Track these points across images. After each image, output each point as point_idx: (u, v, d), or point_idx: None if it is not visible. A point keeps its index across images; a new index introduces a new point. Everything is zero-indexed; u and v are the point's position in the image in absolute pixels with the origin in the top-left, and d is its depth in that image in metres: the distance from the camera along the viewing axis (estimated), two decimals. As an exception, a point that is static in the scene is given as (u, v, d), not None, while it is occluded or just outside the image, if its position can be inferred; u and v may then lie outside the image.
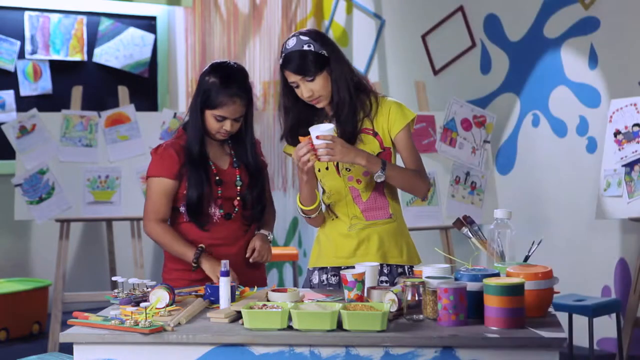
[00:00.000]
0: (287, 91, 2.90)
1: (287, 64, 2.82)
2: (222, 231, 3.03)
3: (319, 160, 2.72)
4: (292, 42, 2.84)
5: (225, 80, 2.95)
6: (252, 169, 3.08)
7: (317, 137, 2.68)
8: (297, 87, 2.85)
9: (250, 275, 3.05)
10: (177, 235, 3.02)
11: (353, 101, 2.87)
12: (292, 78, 2.83)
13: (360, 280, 2.51)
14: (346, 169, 2.90)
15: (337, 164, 2.88)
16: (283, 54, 2.85)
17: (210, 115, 2.97)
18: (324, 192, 2.97)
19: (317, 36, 2.86)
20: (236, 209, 3.05)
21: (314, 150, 2.70)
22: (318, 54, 2.82)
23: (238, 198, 3.04)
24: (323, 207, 2.98)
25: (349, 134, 2.85)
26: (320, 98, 2.85)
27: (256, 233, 3.11)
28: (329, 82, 2.84)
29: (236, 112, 2.96)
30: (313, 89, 2.83)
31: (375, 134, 2.90)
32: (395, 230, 2.95)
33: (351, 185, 2.91)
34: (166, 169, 3.01)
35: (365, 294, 2.55)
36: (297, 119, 2.92)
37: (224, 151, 3.09)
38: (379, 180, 2.82)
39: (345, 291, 2.52)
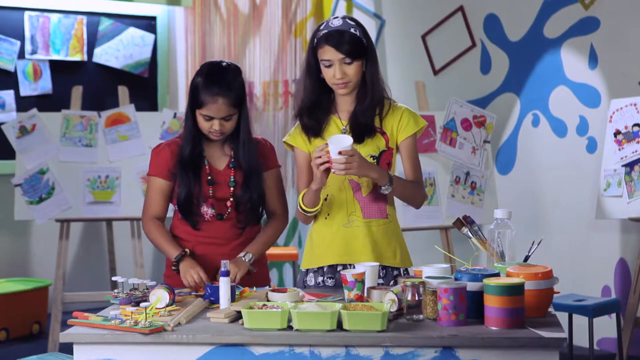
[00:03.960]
0: (311, 71, 2.88)
1: (331, 39, 2.80)
2: (213, 231, 3.03)
3: (333, 172, 2.71)
4: (337, 22, 2.83)
5: (208, 80, 2.91)
6: (246, 170, 3.03)
7: (339, 153, 2.66)
8: (330, 66, 2.82)
9: (251, 275, 3.04)
10: (166, 234, 3.04)
11: (376, 96, 2.87)
12: (330, 55, 2.80)
13: (360, 280, 2.51)
14: None
15: None
16: (324, 31, 2.83)
17: (199, 115, 2.95)
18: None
19: (361, 27, 2.87)
20: (229, 210, 3.03)
21: (329, 161, 2.68)
22: (361, 41, 2.83)
23: (231, 199, 3.03)
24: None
25: (364, 124, 2.86)
26: (349, 83, 2.84)
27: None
28: (360, 72, 2.84)
29: (220, 111, 2.91)
30: (347, 72, 2.81)
31: (383, 133, 2.91)
32: (390, 232, 2.93)
33: (351, 179, 2.89)
34: (160, 169, 3.04)
35: (365, 294, 2.55)
36: (317, 100, 2.90)
37: (223, 152, 3.07)
38: (385, 193, 2.82)
39: (345, 291, 2.52)
